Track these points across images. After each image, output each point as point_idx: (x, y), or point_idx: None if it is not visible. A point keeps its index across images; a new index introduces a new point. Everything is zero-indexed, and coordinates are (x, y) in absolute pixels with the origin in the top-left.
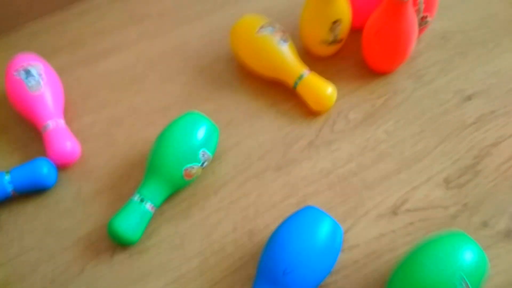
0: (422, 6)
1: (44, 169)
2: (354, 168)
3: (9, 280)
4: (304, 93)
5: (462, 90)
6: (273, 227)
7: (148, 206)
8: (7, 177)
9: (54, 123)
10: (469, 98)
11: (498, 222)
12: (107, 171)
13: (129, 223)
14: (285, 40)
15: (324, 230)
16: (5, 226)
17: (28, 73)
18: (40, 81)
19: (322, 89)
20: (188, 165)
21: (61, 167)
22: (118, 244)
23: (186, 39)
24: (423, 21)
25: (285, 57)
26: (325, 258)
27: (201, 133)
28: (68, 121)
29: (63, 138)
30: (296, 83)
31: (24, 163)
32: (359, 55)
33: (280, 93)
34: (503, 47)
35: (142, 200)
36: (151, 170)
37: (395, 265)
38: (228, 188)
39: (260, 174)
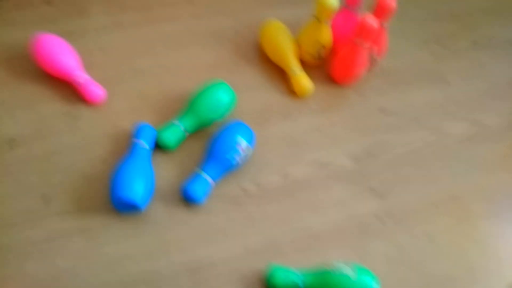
0: (375, 51)
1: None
2: (303, 135)
3: None
4: (293, 81)
5: (382, 107)
6: None
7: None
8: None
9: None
10: (383, 111)
11: (375, 186)
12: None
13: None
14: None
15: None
16: None
17: None
18: None
19: (305, 83)
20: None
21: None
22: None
23: (225, 25)
24: (373, 60)
25: (291, 55)
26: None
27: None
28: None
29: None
30: (292, 72)
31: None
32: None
33: (279, 77)
34: (415, 87)
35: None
36: (191, 110)
37: (310, 193)
38: None
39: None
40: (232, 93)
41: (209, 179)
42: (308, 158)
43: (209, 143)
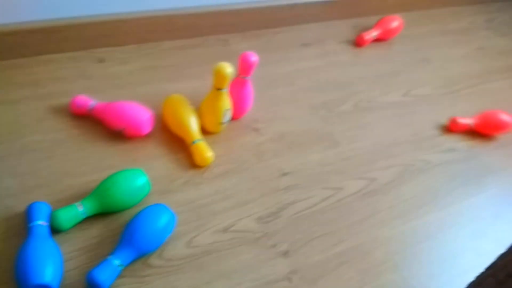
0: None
1: None
2: (207, 201)
3: None
4: (194, 151)
5: (281, 168)
6: None
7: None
8: None
9: None
10: (285, 174)
11: (281, 246)
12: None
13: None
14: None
15: (164, 217)
16: None
17: None
18: None
19: (206, 153)
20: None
21: None
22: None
23: (124, 99)
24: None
25: (193, 126)
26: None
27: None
28: None
29: None
30: (193, 143)
31: None
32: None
33: (180, 146)
34: (308, 148)
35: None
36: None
37: (218, 261)
38: None
39: (148, 196)
40: (149, 186)
41: (119, 264)
42: (213, 224)
43: (126, 227)
